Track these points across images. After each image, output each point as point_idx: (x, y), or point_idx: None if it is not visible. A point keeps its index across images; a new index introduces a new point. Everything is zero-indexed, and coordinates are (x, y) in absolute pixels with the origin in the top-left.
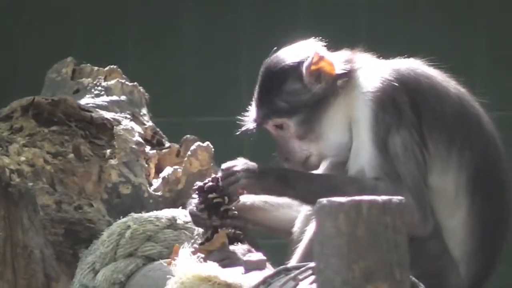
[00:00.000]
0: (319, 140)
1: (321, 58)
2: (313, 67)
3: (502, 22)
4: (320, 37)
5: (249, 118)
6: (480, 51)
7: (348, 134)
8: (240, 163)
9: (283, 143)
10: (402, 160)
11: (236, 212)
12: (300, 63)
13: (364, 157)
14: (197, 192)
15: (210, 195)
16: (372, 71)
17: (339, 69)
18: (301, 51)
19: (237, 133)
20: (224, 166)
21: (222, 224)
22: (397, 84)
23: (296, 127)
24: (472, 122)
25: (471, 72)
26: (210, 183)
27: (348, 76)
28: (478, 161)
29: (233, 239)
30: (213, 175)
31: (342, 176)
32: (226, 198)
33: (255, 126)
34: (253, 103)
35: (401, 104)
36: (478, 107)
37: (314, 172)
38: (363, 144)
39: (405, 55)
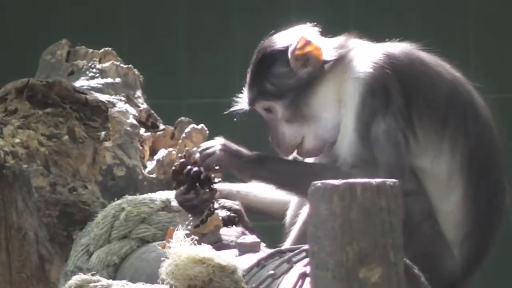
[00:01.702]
0: (310, 122)
1: (307, 43)
2: (298, 52)
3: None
4: (313, 22)
5: (241, 100)
6: (473, 34)
7: (340, 116)
8: (218, 141)
9: (274, 128)
10: (382, 147)
11: (220, 179)
12: (288, 47)
13: (346, 142)
14: (175, 179)
15: (186, 169)
16: (364, 55)
17: (328, 53)
18: (292, 36)
19: (227, 112)
20: (202, 144)
21: (212, 195)
22: (388, 70)
23: (283, 110)
24: (466, 107)
25: (465, 53)
26: (181, 160)
27: (339, 60)
28: (473, 145)
29: (227, 222)
30: (179, 158)
31: (318, 162)
32: (201, 168)
33: (245, 109)
34: (245, 86)
35: (391, 90)
36: (473, 91)
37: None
38: (346, 129)
39: (398, 39)
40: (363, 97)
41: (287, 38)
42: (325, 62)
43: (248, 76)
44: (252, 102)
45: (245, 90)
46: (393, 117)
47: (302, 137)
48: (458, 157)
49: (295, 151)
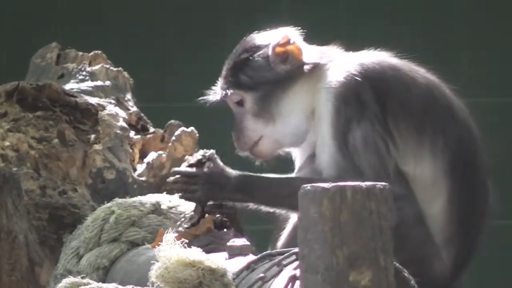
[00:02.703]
0: (275, 123)
1: (289, 41)
2: (279, 48)
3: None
4: (302, 27)
5: (214, 91)
6: (464, 41)
7: (305, 125)
8: (201, 173)
9: (239, 121)
10: (362, 153)
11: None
12: (270, 43)
13: (325, 154)
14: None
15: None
16: (338, 65)
17: (308, 57)
18: (274, 34)
19: (199, 100)
20: (183, 172)
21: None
22: (361, 78)
23: (253, 102)
24: (443, 110)
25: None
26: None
27: (317, 67)
28: (454, 148)
29: (219, 226)
30: None
31: (301, 177)
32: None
33: (217, 99)
34: (220, 77)
35: (364, 98)
36: (450, 95)
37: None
38: (324, 141)
39: (386, 49)
40: (336, 106)
41: (269, 36)
42: (304, 64)
43: (225, 67)
44: (224, 91)
45: (219, 80)
46: (369, 123)
47: (261, 136)
48: (440, 161)
49: (249, 149)
